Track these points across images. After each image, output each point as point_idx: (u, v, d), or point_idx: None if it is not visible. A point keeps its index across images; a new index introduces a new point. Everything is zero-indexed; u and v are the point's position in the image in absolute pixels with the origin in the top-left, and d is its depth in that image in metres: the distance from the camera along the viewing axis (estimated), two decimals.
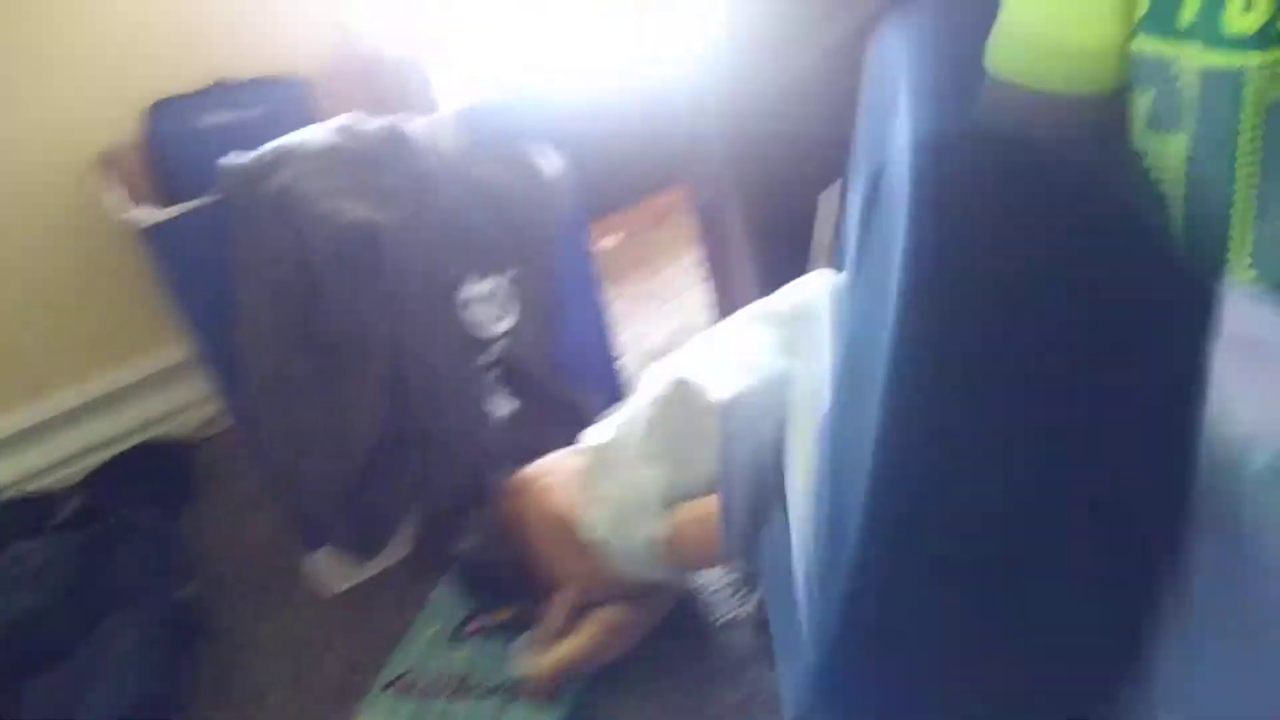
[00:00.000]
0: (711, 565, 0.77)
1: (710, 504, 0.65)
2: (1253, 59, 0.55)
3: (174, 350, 1.24)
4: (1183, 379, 0.34)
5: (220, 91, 1.26)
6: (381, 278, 0.82)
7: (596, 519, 0.71)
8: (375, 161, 0.85)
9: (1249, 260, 0.61)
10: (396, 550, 0.95)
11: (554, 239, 0.99)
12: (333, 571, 0.93)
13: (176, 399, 1.29)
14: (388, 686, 0.78)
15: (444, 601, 0.86)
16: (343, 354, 0.83)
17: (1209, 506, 0.34)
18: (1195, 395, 0.34)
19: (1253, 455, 0.35)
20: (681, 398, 0.71)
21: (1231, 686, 0.34)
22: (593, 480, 0.73)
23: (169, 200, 0.82)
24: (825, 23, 0.96)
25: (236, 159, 0.82)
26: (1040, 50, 0.66)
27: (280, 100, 1.29)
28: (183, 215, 0.79)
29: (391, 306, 0.83)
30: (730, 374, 0.69)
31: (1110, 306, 0.35)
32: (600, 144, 1.54)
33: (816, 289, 0.72)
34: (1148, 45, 0.61)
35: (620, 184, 1.78)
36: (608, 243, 1.84)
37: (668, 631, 0.77)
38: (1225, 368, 0.35)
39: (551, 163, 0.98)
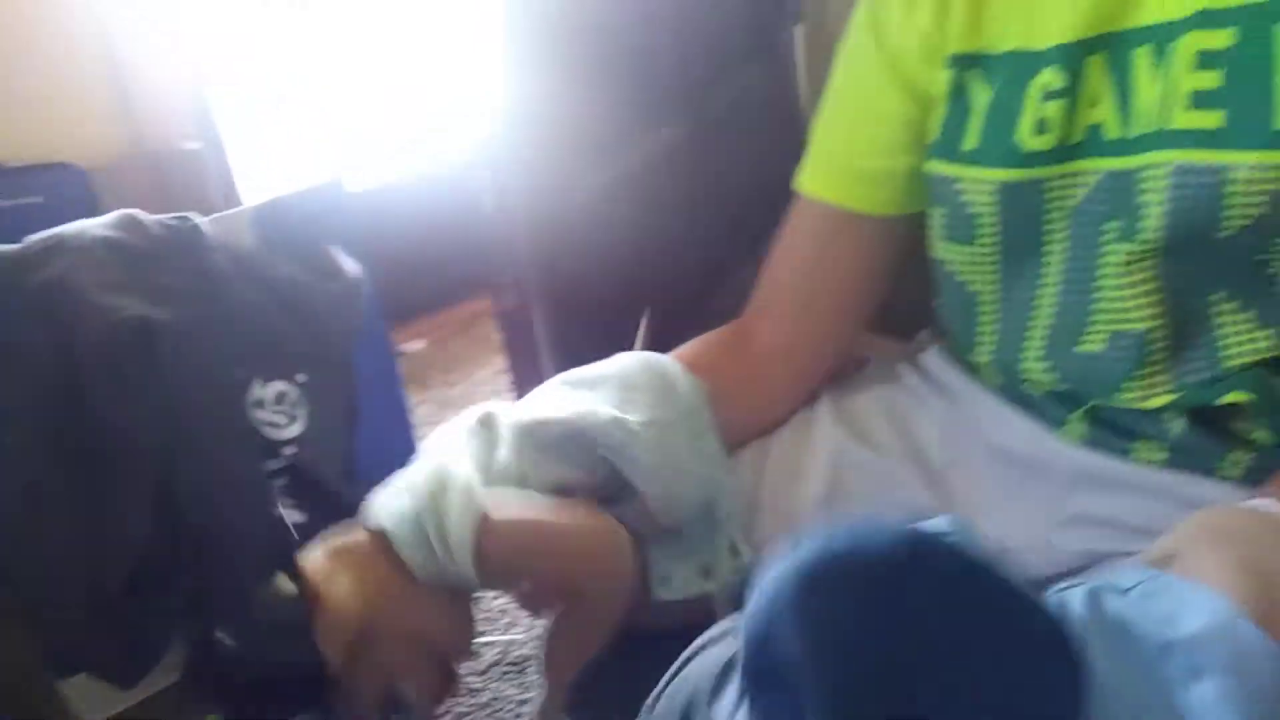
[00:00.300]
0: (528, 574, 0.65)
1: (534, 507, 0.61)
2: (1050, 171, 0.62)
3: None
4: None
5: None
6: (157, 380, 0.77)
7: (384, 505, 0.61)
8: (158, 257, 0.81)
9: (1039, 354, 0.67)
10: (162, 677, 0.87)
11: (351, 341, 0.97)
12: (87, 701, 0.84)
13: None
14: None
15: None
16: (104, 463, 0.77)
17: None
18: None
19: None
20: (486, 422, 0.69)
21: None
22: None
23: None
24: (624, 147, 1.01)
25: (1, 248, 0.76)
26: (843, 174, 0.73)
27: (58, 189, 1.22)
28: None
29: (168, 410, 0.78)
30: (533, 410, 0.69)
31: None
32: (405, 247, 1.53)
33: (622, 363, 0.72)
34: (935, 168, 0.68)
35: (425, 288, 1.78)
36: (412, 347, 1.82)
37: None
38: None
39: (350, 265, 0.97)
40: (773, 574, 0.38)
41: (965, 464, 0.74)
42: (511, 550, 0.59)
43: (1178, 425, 0.62)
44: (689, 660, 0.50)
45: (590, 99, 1.03)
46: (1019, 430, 0.71)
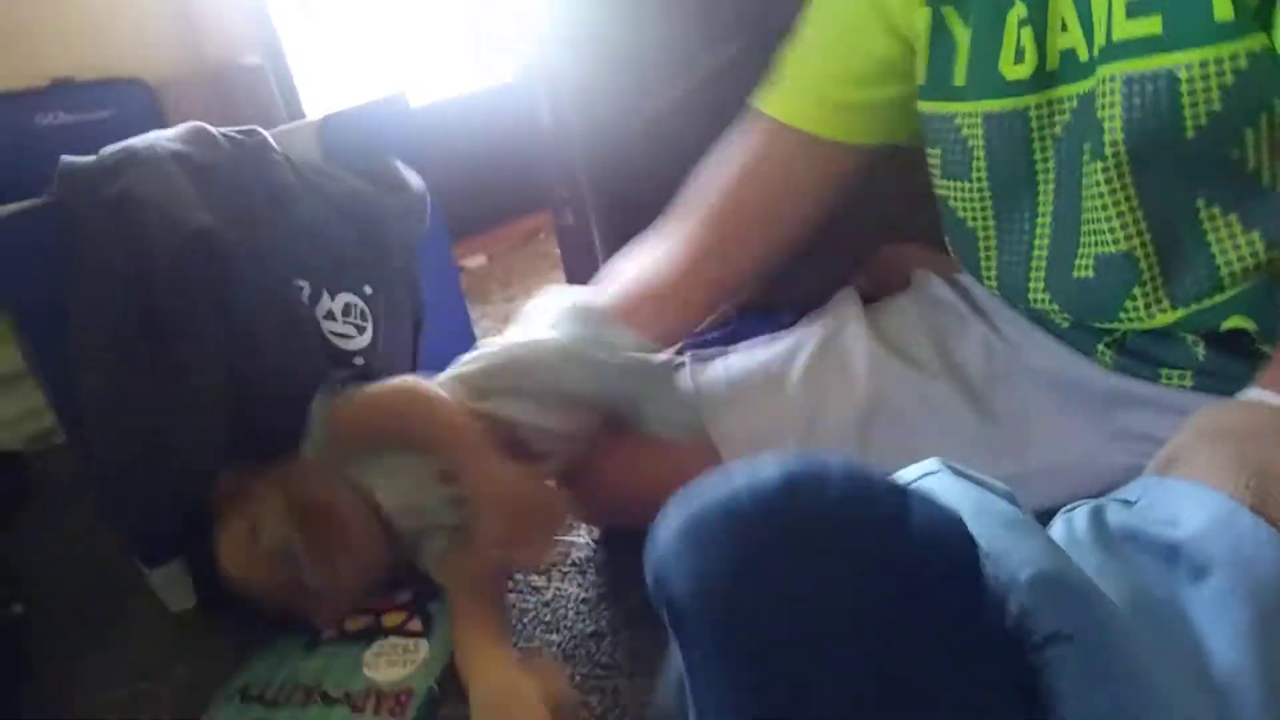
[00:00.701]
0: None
1: None
2: (1031, 100, 0.62)
3: (6, 358, 1.16)
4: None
5: (60, 91, 1.21)
6: (227, 291, 0.80)
7: None
8: (226, 171, 0.83)
9: (1044, 284, 0.67)
10: None
11: (415, 255, 0.99)
12: (175, 590, 0.89)
13: (8, 409, 1.21)
14: (232, 696, 0.75)
15: None
16: (181, 369, 0.80)
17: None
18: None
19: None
20: None
21: None
22: None
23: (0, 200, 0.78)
24: (680, 67, 1.00)
25: (76, 161, 0.79)
26: (813, 101, 0.73)
27: (125, 104, 1.25)
28: (13, 215, 0.75)
29: (239, 320, 0.81)
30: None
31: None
32: (466, 163, 1.54)
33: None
34: (928, 108, 0.69)
35: (485, 204, 1.79)
36: (472, 263, 1.84)
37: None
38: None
39: (413, 178, 0.98)
40: (662, 523, 0.39)
41: (1008, 383, 0.75)
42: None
43: (1200, 350, 0.62)
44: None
45: (651, 16, 1.02)
46: (1055, 354, 0.72)
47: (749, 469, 0.38)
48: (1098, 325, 0.66)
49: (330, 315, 0.87)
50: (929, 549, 0.36)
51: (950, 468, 0.45)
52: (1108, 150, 0.57)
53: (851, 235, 1.10)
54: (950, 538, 0.37)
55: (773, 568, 0.36)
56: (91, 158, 0.80)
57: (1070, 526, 0.45)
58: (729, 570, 0.36)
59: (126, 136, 0.82)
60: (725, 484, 0.38)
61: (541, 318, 0.80)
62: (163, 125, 0.87)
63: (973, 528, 0.38)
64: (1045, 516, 0.72)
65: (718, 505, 0.38)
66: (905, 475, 0.44)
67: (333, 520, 0.77)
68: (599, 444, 0.81)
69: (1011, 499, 0.45)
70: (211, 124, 0.87)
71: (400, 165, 0.98)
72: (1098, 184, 0.59)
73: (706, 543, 0.37)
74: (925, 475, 0.44)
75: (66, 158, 0.79)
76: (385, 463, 0.81)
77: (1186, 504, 0.43)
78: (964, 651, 0.35)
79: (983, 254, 0.71)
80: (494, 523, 0.76)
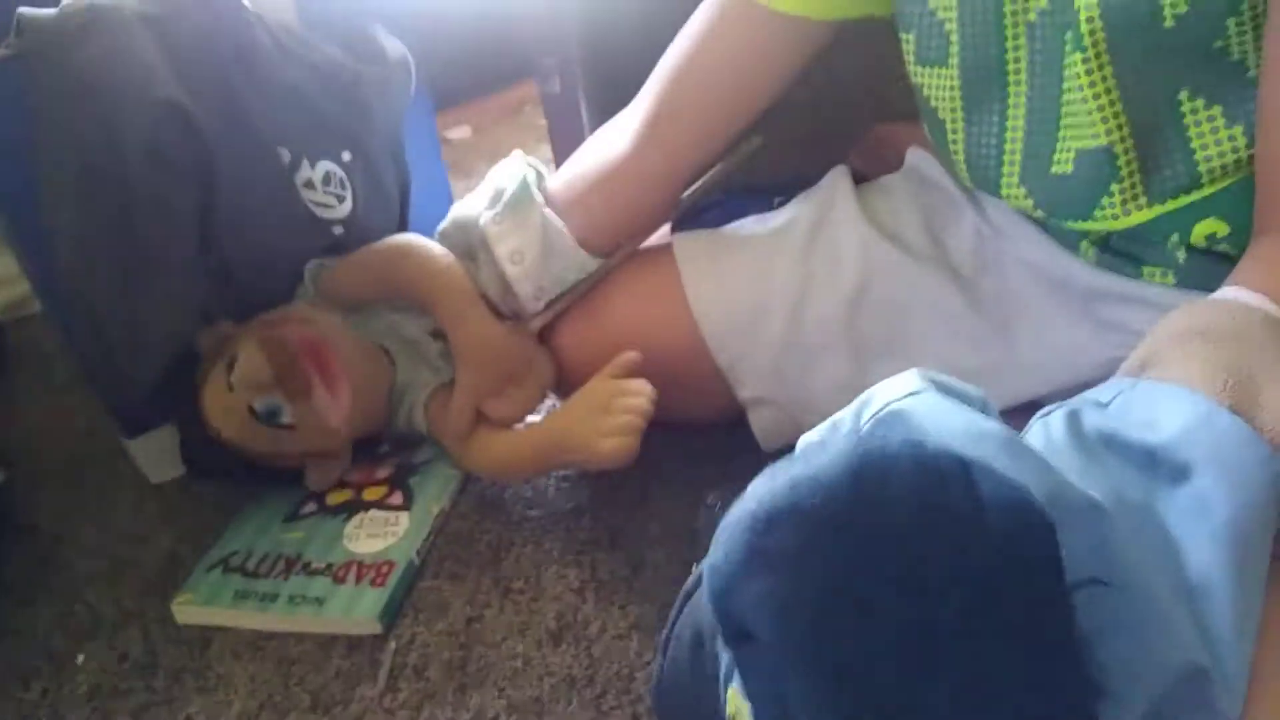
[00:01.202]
0: None
1: None
2: None
3: None
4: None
5: None
6: (203, 161, 0.77)
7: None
8: (196, 32, 0.78)
9: (1018, 179, 0.65)
10: None
11: (398, 123, 0.95)
12: (156, 460, 0.89)
13: None
14: (213, 567, 0.76)
15: (278, 487, 0.85)
16: (155, 240, 0.78)
17: None
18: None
19: None
20: None
21: None
22: None
23: None
24: None
25: (37, 13, 0.74)
26: None
27: None
28: None
29: (218, 191, 0.78)
30: None
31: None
32: (448, 30, 1.48)
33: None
34: None
35: (469, 73, 1.72)
36: (456, 134, 1.79)
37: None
38: None
39: (395, 45, 0.94)
40: (724, 529, 0.37)
41: (995, 272, 0.74)
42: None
43: (1181, 254, 0.61)
44: (691, 593, 0.49)
45: None
46: (1040, 245, 0.71)
47: (806, 467, 0.36)
48: (1070, 225, 0.65)
49: (309, 184, 0.84)
50: (1008, 538, 0.34)
51: (934, 383, 0.43)
52: (1086, 40, 0.55)
53: (845, 113, 1.07)
54: (1024, 515, 0.35)
55: (852, 581, 0.34)
56: (52, 11, 0.75)
57: (1048, 431, 0.44)
58: (807, 589, 0.34)
59: None
60: (785, 491, 0.36)
61: (489, 195, 0.79)
62: None
63: (967, 451, 0.37)
64: (1031, 407, 0.73)
65: (782, 517, 0.35)
66: (890, 392, 0.43)
67: (321, 352, 0.77)
68: (566, 313, 0.81)
69: (985, 405, 0.44)
70: None
71: (381, 32, 0.93)
72: (1078, 75, 0.57)
73: (777, 561, 0.35)
74: (910, 395, 0.42)
75: (25, 9, 0.74)
76: (377, 313, 0.83)
77: (1163, 406, 0.43)
78: (1045, 626, 0.34)
79: (952, 145, 0.69)
80: (473, 373, 0.77)
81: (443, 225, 0.82)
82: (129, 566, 0.81)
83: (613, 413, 0.71)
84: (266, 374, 0.74)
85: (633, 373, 0.74)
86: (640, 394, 0.72)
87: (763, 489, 0.36)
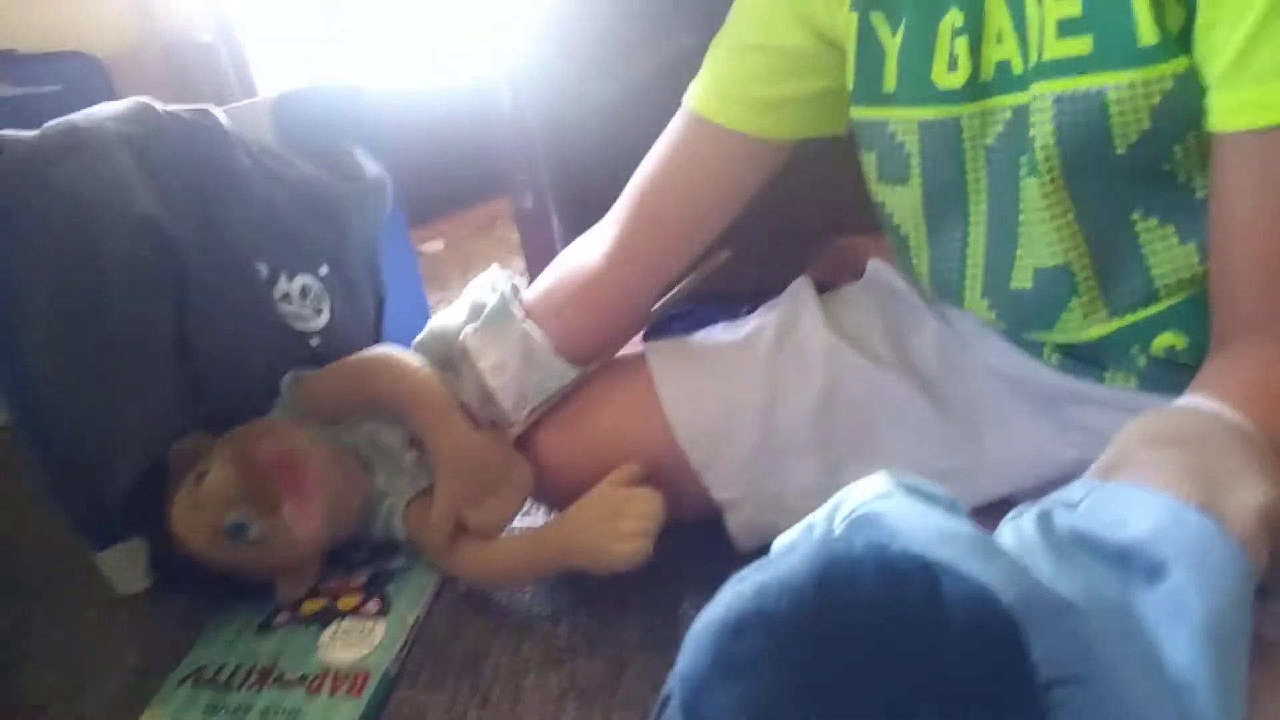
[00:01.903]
0: None
1: None
2: (965, 109, 0.63)
3: None
4: None
5: (5, 63, 1.18)
6: (181, 277, 0.78)
7: None
8: (176, 152, 0.81)
9: (980, 293, 0.69)
10: None
11: (375, 238, 0.98)
12: (123, 572, 0.88)
13: None
14: (184, 680, 0.75)
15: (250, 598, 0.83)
16: (131, 355, 0.78)
17: None
18: None
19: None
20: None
21: None
22: None
23: None
24: (638, 54, 1.00)
25: (18, 135, 0.77)
26: (734, 99, 0.73)
27: (73, 78, 1.21)
28: None
29: (194, 306, 0.80)
30: None
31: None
32: (422, 147, 1.53)
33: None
34: (860, 114, 0.69)
35: (443, 189, 1.77)
36: (430, 248, 1.83)
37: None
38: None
39: (371, 165, 0.97)
40: (692, 638, 0.37)
41: (961, 377, 0.77)
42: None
43: (1141, 360, 0.64)
44: (666, 703, 0.49)
45: (607, 5, 1.02)
46: (1004, 352, 0.73)
47: (772, 572, 0.36)
48: (1032, 336, 0.68)
49: (287, 297, 0.86)
50: (971, 639, 0.35)
51: (903, 485, 0.44)
52: (1041, 166, 0.58)
53: (808, 225, 1.12)
54: (987, 613, 0.35)
55: (820, 687, 0.34)
56: (34, 133, 0.77)
57: (1019, 532, 0.45)
58: (775, 696, 0.34)
59: (77, 110, 0.80)
60: (752, 597, 0.36)
61: (467, 309, 0.81)
62: (113, 99, 0.85)
63: (939, 554, 0.37)
64: (1000, 505, 0.74)
65: (749, 623, 0.35)
66: (860, 495, 0.44)
67: (293, 466, 0.77)
68: (543, 421, 0.82)
69: (954, 506, 0.45)
70: (162, 101, 0.85)
71: (358, 152, 0.97)
72: (1034, 198, 0.60)
73: (745, 668, 0.35)
74: (879, 497, 0.43)
75: (5, 131, 0.77)
76: (355, 422, 0.84)
77: (1134, 506, 0.44)
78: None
79: (915, 259, 0.72)
80: (452, 482, 0.77)
81: (420, 337, 0.84)
82: (95, 681, 0.79)
83: (625, 518, 0.73)
84: (235, 490, 0.74)
85: (636, 482, 0.76)
86: (653, 501, 0.74)
87: (729, 595, 0.37)
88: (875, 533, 0.41)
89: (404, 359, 0.81)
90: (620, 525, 0.73)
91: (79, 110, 0.80)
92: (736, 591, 0.36)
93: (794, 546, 0.39)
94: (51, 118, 0.79)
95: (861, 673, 0.34)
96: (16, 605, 0.90)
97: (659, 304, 0.86)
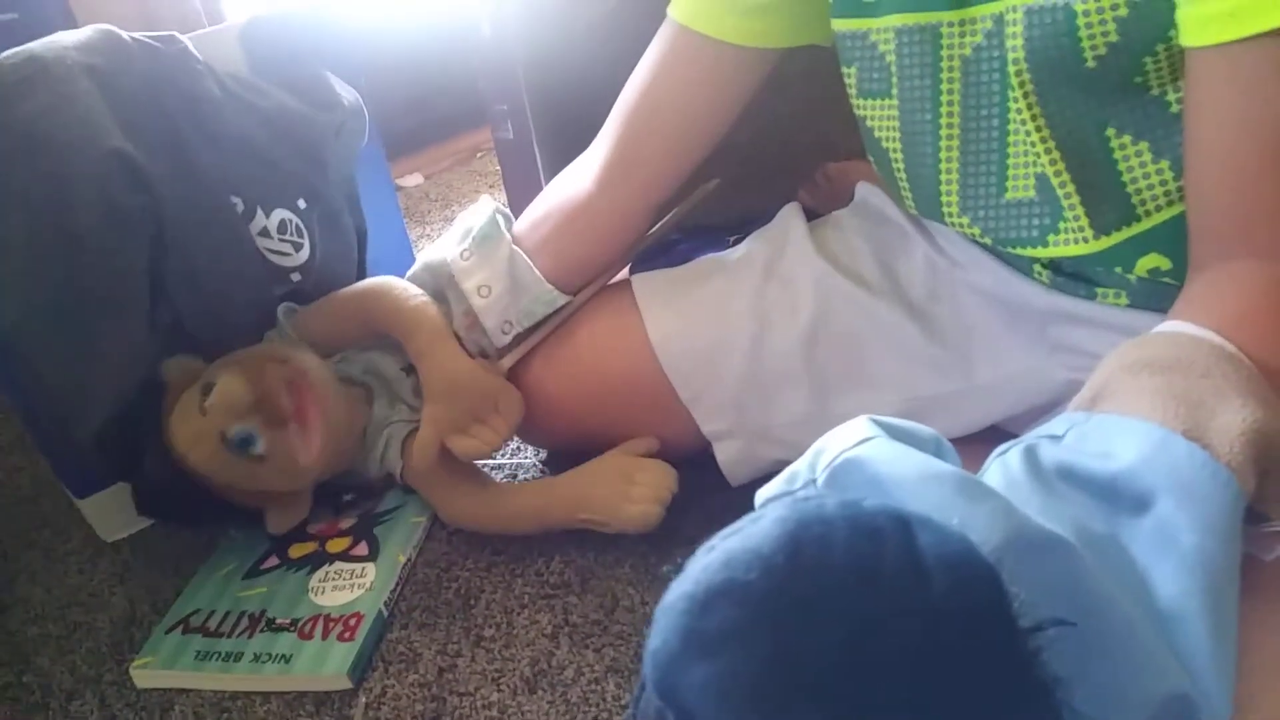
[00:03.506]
0: None
1: None
2: (945, 15, 0.61)
3: None
4: None
5: None
6: (155, 212, 0.75)
7: None
8: (145, 86, 0.77)
9: (958, 207, 0.67)
10: None
11: (352, 169, 0.95)
12: (107, 519, 0.87)
13: None
14: (173, 628, 0.74)
15: (237, 543, 0.83)
16: (104, 296, 0.76)
17: None
18: None
19: None
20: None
21: None
22: None
23: None
24: None
25: None
26: (715, 6, 0.70)
27: (32, 6, 1.16)
28: None
29: (171, 243, 0.77)
30: None
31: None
32: (398, 77, 1.48)
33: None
34: (842, 25, 0.67)
35: (420, 121, 1.73)
36: (409, 182, 1.78)
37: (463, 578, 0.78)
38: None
39: (348, 92, 0.94)
40: (661, 613, 0.35)
41: (951, 301, 0.75)
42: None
43: (1131, 277, 0.63)
44: None
45: None
46: (994, 272, 0.72)
47: (741, 540, 0.35)
48: (1019, 251, 0.66)
49: (265, 232, 0.84)
50: (950, 597, 0.33)
51: (884, 427, 0.43)
52: (1012, 79, 0.57)
53: (795, 153, 1.09)
54: (966, 567, 0.34)
55: (796, 659, 0.32)
56: None
57: (1006, 469, 0.44)
58: (748, 671, 0.32)
59: (31, 38, 0.76)
60: (720, 568, 0.34)
61: (457, 236, 0.80)
62: (74, 27, 0.81)
63: (923, 496, 0.36)
64: (992, 432, 0.74)
65: (718, 596, 0.34)
66: (842, 441, 0.42)
67: (300, 386, 0.76)
68: (532, 355, 0.81)
69: (939, 445, 0.44)
70: (126, 29, 0.81)
71: (333, 79, 0.93)
72: (1019, 111, 0.59)
73: (716, 643, 0.33)
74: (861, 442, 0.42)
75: None
76: (352, 357, 0.84)
77: (1118, 436, 0.43)
78: (1001, 681, 0.33)
79: (898, 175, 0.71)
80: (439, 405, 0.77)
81: (413, 269, 0.82)
82: (82, 631, 0.78)
83: (637, 484, 0.74)
84: (247, 399, 0.72)
85: (650, 455, 0.77)
86: (666, 473, 0.75)
87: (698, 568, 0.35)
88: (857, 479, 0.40)
89: (401, 286, 0.80)
90: (633, 490, 0.74)
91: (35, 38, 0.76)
92: (704, 564, 0.35)
93: (758, 515, 0.37)
94: (8, 47, 0.75)
95: (838, 641, 0.32)
96: (6, 553, 0.89)
97: (649, 232, 0.84)
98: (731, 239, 0.86)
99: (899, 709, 0.32)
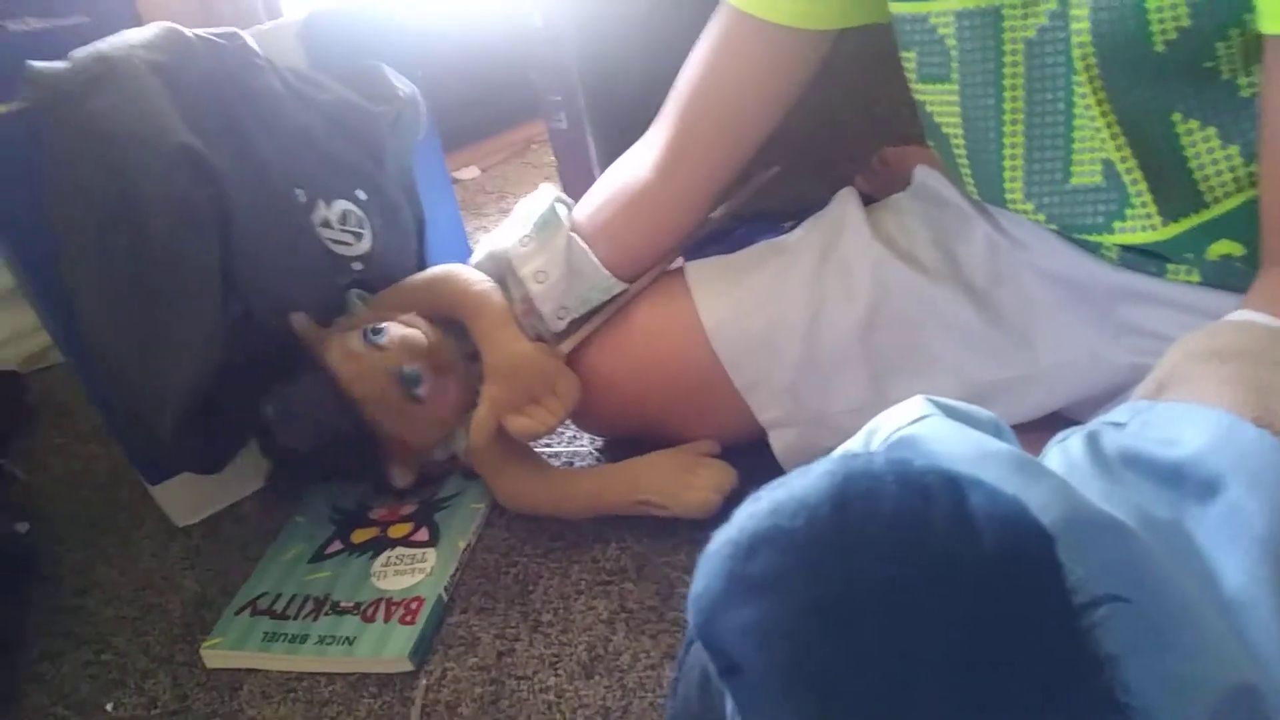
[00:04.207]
0: None
1: None
2: None
3: None
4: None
5: None
6: (221, 206, 0.77)
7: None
8: (208, 80, 0.79)
9: (1022, 193, 0.66)
10: (248, 483, 0.92)
11: (409, 160, 0.96)
12: (179, 504, 0.89)
13: (2, 329, 1.20)
14: (241, 610, 0.76)
15: (303, 527, 0.85)
16: (176, 288, 0.78)
17: None
18: None
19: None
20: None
21: None
22: None
23: None
24: None
25: (48, 66, 0.75)
26: None
27: (103, 8, 1.20)
28: None
29: (236, 235, 0.79)
30: None
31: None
32: (453, 70, 1.49)
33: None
34: (900, 9, 0.65)
35: (475, 114, 1.74)
36: (465, 175, 1.80)
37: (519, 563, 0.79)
38: None
39: (404, 84, 0.95)
40: (706, 559, 0.35)
41: (1013, 283, 0.74)
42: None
43: (1203, 260, 0.61)
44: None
45: None
46: (1059, 251, 0.70)
47: (788, 490, 0.35)
48: (1086, 237, 0.65)
49: (327, 223, 0.85)
50: (999, 556, 0.32)
51: (940, 407, 0.42)
52: (1077, 62, 0.56)
53: (851, 138, 1.08)
54: (1018, 528, 0.33)
55: (837, 606, 0.32)
56: (62, 63, 0.76)
57: (1066, 454, 0.43)
58: (790, 616, 0.32)
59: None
60: (766, 515, 0.34)
61: (517, 225, 0.81)
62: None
63: (979, 474, 0.35)
64: (1053, 420, 0.72)
65: (763, 542, 0.34)
66: (897, 419, 0.42)
67: (443, 351, 0.80)
68: (589, 342, 0.81)
69: (998, 428, 0.43)
70: (188, 26, 0.83)
71: (389, 71, 0.94)
72: (1084, 95, 0.57)
73: (759, 588, 0.33)
74: (917, 420, 0.41)
75: (34, 62, 0.75)
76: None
77: (1185, 423, 0.42)
78: (1049, 652, 0.32)
79: (959, 160, 0.69)
80: (498, 385, 0.78)
81: (477, 257, 0.84)
82: (155, 612, 0.80)
83: (698, 477, 0.76)
84: (423, 343, 0.78)
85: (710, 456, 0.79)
86: (727, 473, 0.76)
87: (744, 515, 0.35)
88: (914, 455, 0.39)
89: (467, 272, 0.83)
90: (694, 480, 0.76)
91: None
92: (751, 511, 0.35)
93: (808, 469, 0.37)
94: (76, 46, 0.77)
95: (881, 591, 0.32)
96: (76, 541, 0.92)
97: (708, 218, 0.83)
98: (787, 225, 0.86)
99: (940, 667, 0.31)
